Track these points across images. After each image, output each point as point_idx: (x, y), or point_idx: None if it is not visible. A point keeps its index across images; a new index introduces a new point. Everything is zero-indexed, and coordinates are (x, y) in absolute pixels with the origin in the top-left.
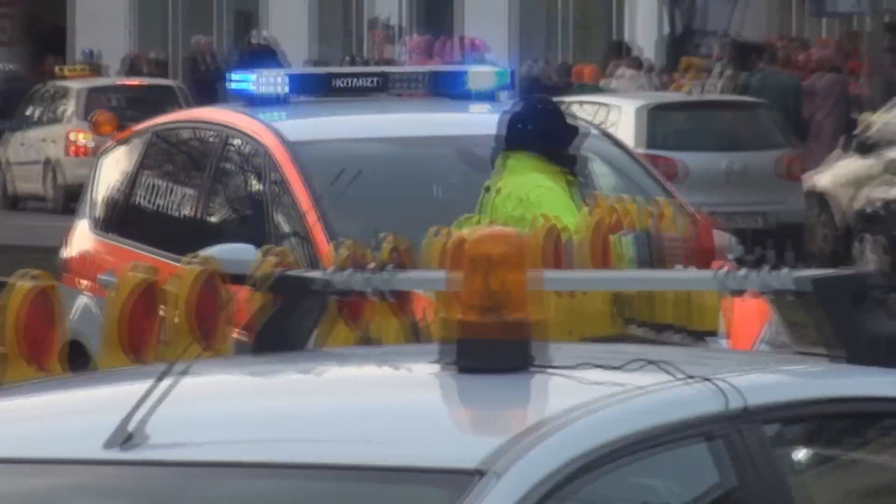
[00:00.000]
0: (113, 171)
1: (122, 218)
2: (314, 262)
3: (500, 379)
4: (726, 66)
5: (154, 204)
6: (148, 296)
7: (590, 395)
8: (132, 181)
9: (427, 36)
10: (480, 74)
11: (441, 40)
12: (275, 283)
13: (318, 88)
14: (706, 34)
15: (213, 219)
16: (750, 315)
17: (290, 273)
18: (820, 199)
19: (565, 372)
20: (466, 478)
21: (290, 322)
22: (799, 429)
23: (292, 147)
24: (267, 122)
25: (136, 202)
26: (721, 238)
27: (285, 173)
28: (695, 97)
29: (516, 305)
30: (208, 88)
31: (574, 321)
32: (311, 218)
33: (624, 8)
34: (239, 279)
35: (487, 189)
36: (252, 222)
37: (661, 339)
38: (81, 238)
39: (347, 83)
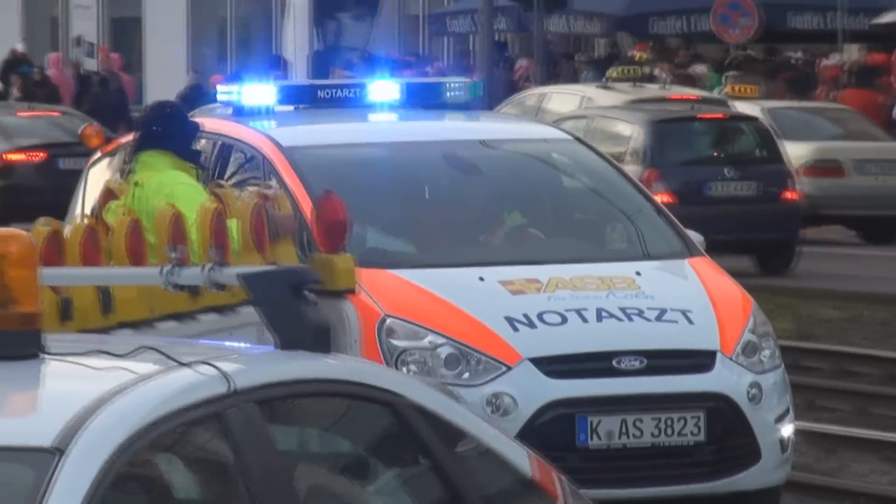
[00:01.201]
0: (102, 180)
1: None
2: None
3: (23, 366)
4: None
5: None
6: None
7: (112, 382)
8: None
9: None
10: (456, 86)
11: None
12: None
13: (304, 99)
14: (348, 50)
15: None
16: (735, 304)
17: None
18: None
19: (79, 360)
20: (47, 456)
21: None
22: (278, 406)
23: (288, 152)
24: (262, 130)
25: None
26: (696, 237)
27: (284, 177)
28: None
29: (26, 299)
30: None
31: (154, 299)
32: (312, 218)
33: (282, 27)
34: None
35: (136, 184)
36: None
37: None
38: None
39: (330, 94)
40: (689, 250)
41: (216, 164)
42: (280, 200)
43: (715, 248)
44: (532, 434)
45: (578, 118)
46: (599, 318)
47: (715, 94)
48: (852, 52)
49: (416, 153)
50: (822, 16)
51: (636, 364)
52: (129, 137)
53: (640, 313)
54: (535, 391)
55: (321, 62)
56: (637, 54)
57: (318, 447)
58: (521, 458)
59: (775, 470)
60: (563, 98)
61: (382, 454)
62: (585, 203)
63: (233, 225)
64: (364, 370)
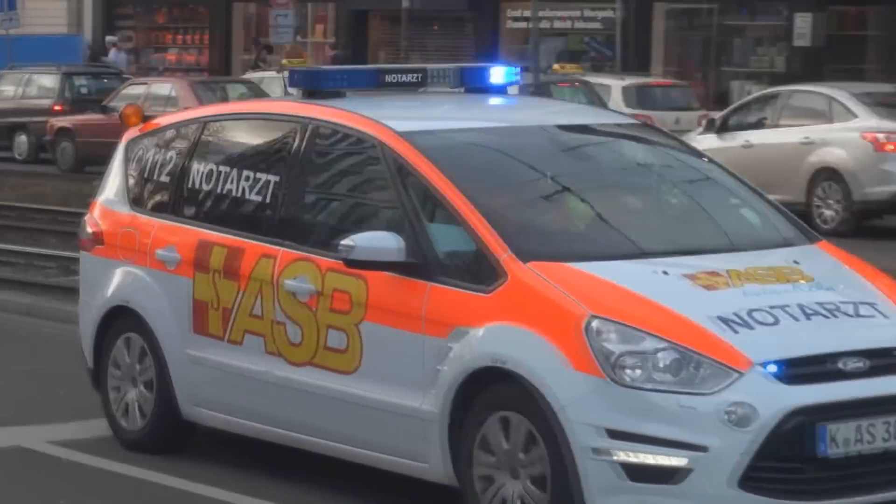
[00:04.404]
0: (149, 157)
1: (180, 199)
2: (480, 244)
3: None
4: None
5: (223, 188)
6: None
7: None
8: (185, 167)
9: None
10: (498, 71)
11: None
12: None
13: (371, 83)
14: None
15: (325, 206)
16: (893, 288)
17: None
18: None
19: None
20: None
21: None
22: None
23: (408, 137)
24: (367, 115)
25: (195, 186)
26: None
27: (416, 165)
28: None
29: None
30: None
31: None
32: (462, 203)
33: None
34: (377, 265)
35: None
36: (375, 209)
37: None
38: (111, 215)
39: (395, 78)
40: (808, 235)
41: (309, 147)
42: None
43: None
44: (776, 444)
45: None
46: (807, 316)
47: None
48: None
49: (527, 139)
50: None
51: (860, 365)
52: (167, 119)
53: (838, 308)
54: (774, 399)
55: None
56: None
57: None
58: None
59: None
60: None
61: None
62: (698, 189)
63: None
64: None
